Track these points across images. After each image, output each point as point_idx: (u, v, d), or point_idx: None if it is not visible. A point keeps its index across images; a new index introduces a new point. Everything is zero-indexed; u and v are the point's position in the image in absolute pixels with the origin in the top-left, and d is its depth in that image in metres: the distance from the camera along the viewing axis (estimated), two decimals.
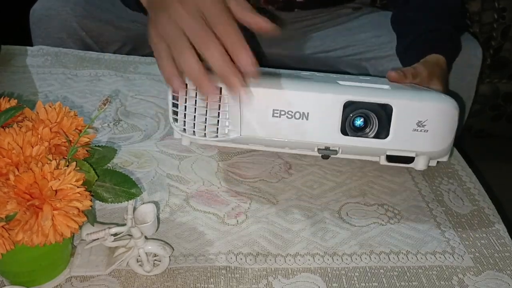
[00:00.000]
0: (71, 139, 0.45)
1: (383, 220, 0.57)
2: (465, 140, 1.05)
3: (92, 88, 0.78)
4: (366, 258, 0.52)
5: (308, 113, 0.52)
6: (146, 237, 0.47)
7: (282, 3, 0.96)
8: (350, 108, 0.52)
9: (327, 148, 0.54)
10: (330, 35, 1.00)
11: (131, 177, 0.47)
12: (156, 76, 0.83)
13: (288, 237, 0.54)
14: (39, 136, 0.42)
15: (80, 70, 0.82)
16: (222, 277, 0.48)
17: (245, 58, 0.46)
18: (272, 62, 1.01)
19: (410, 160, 0.54)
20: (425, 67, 0.68)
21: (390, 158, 0.54)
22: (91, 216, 0.43)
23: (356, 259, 0.52)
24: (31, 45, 0.91)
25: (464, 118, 0.94)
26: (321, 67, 1.01)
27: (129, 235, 0.46)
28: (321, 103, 0.52)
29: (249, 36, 0.49)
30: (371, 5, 1.07)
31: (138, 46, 1.01)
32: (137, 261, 0.47)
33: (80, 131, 0.46)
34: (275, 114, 0.53)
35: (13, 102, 0.46)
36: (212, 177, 0.62)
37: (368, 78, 0.71)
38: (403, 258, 0.52)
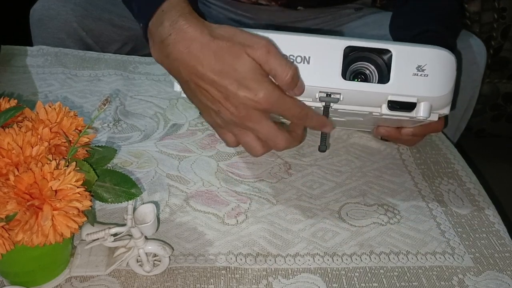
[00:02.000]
0: (71, 139, 0.45)
1: (383, 220, 0.57)
2: (465, 140, 1.05)
3: (92, 88, 0.78)
4: (366, 259, 0.52)
5: (309, 57, 0.53)
6: (146, 237, 0.47)
7: (286, 0, 0.96)
8: (350, 57, 0.53)
9: (328, 95, 0.54)
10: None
11: (131, 177, 0.47)
12: (156, 76, 0.83)
13: (288, 237, 0.54)
14: (39, 136, 0.42)
15: (80, 70, 0.82)
16: (222, 278, 0.48)
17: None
18: None
19: (411, 106, 0.54)
20: None
21: (391, 105, 0.54)
22: (91, 216, 0.43)
23: (356, 259, 0.52)
24: (31, 45, 0.91)
25: (467, 117, 0.94)
26: None
27: (129, 235, 0.46)
28: (322, 47, 0.53)
29: None
30: (372, 5, 1.07)
31: (138, 46, 1.00)
32: (137, 261, 0.47)
33: (80, 131, 0.46)
34: None
35: (13, 102, 0.46)
36: (212, 177, 0.62)
37: None
38: (403, 259, 0.52)
